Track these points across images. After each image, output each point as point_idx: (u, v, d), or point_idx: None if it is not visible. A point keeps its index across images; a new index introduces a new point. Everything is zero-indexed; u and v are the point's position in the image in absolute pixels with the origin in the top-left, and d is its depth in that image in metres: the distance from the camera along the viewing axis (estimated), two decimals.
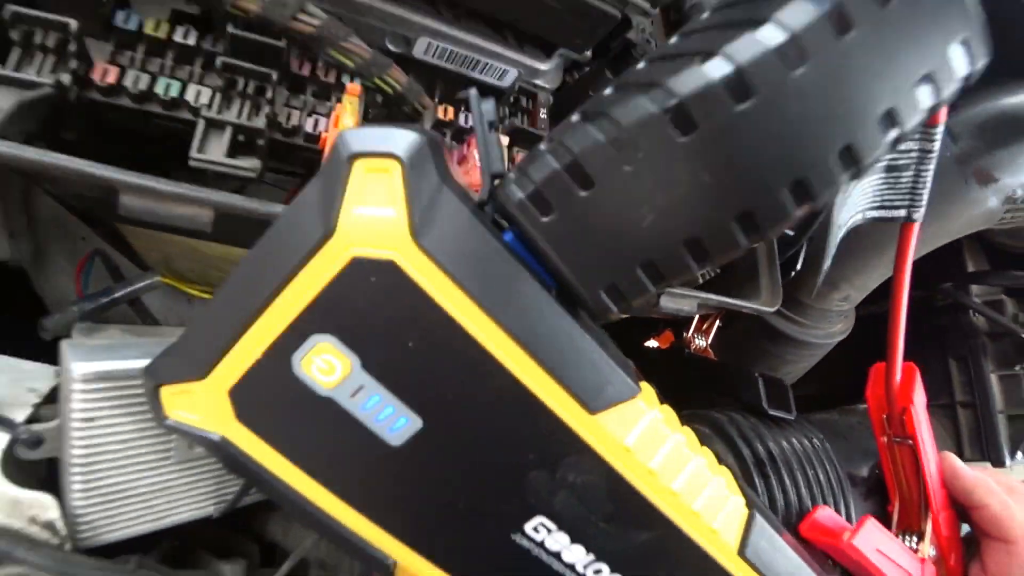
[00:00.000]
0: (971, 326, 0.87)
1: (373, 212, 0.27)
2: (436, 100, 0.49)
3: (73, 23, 0.35)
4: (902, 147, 0.47)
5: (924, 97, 0.23)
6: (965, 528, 0.53)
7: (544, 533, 0.32)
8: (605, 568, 0.33)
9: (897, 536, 0.52)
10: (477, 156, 0.36)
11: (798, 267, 0.62)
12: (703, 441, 0.36)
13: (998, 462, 0.80)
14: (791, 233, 0.60)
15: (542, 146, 0.27)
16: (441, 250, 0.27)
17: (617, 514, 0.32)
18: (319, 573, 0.49)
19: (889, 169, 0.49)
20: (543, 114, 0.52)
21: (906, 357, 0.51)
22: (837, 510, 0.52)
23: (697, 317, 0.76)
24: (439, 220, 0.27)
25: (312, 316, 0.28)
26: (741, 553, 0.35)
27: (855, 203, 0.52)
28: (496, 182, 0.29)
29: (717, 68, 0.22)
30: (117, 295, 0.43)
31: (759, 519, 0.36)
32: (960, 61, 0.23)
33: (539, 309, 0.28)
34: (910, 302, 0.49)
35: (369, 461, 0.30)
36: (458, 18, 0.46)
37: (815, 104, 0.22)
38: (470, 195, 0.29)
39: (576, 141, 0.25)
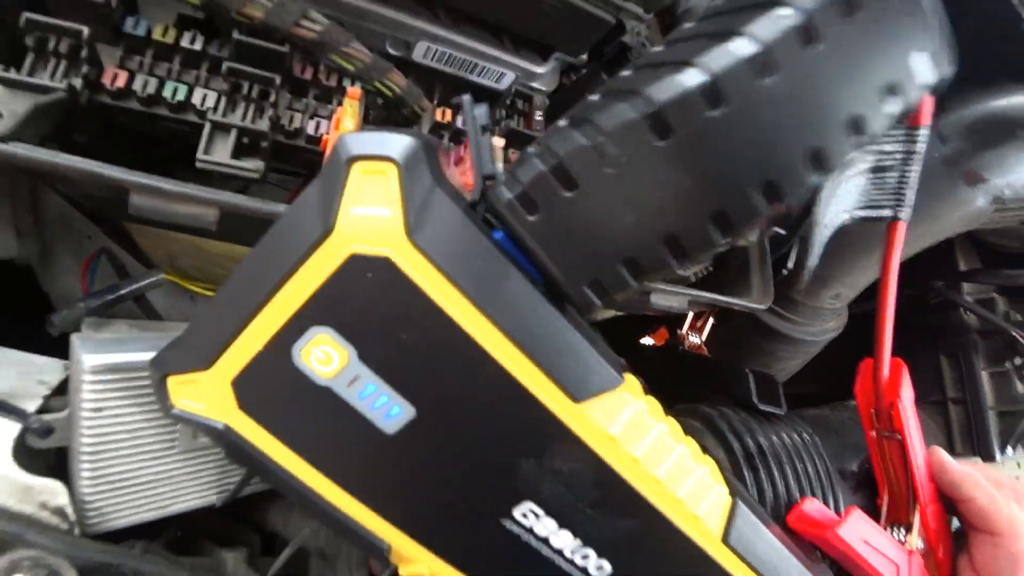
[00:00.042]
0: (962, 324, 0.88)
1: (370, 212, 0.28)
2: (435, 103, 0.50)
3: (85, 29, 0.36)
4: (887, 148, 0.48)
5: (888, 104, 0.24)
6: (956, 523, 0.54)
7: (532, 519, 0.33)
8: (592, 553, 0.34)
9: (886, 529, 0.52)
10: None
11: (789, 265, 0.62)
12: (694, 435, 0.37)
13: (988, 457, 0.81)
14: (783, 232, 0.61)
15: (530, 149, 0.28)
16: (434, 247, 0.28)
17: (603, 501, 0.33)
18: (318, 562, 0.50)
19: (875, 170, 0.50)
20: (539, 116, 0.53)
21: (898, 354, 0.52)
22: (825, 503, 0.53)
23: (691, 314, 0.77)
24: (432, 219, 0.28)
25: (312, 309, 0.29)
26: (725, 540, 0.36)
27: (843, 203, 0.53)
28: (488, 183, 0.31)
29: (692, 77, 0.23)
30: (123, 292, 0.44)
31: (743, 507, 0.37)
32: (923, 70, 0.24)
33: (526, 303, 0.29)
34: (902, 300, 0.50)
35: (364, 448, 0.32)
36: (456, 22, 0.47)
37: (784, 111, 0.23)
38: (462, 196, 0.30)
39: (561, 145, 0.26)
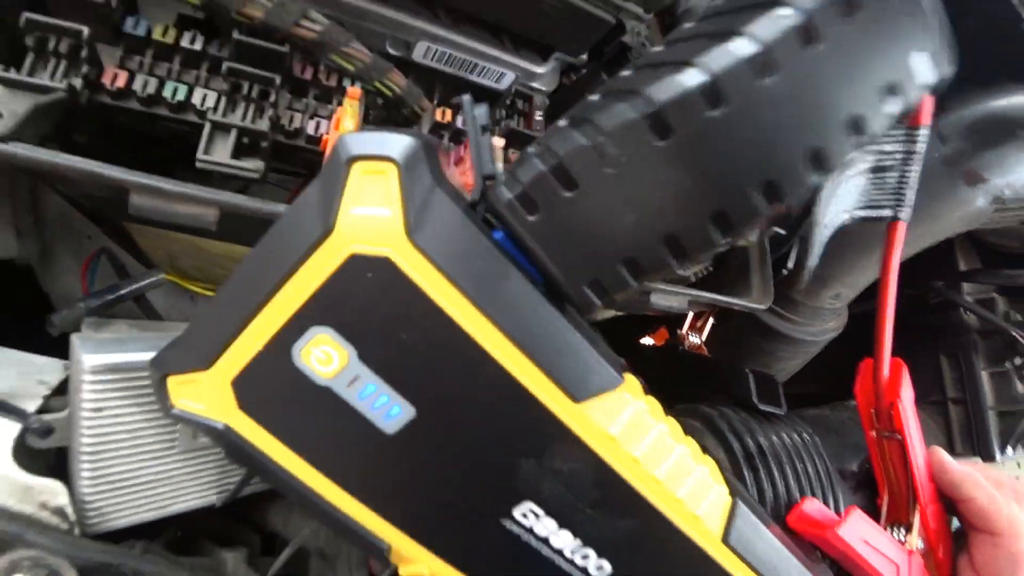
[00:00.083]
0: (963, 324, 0.88)
1: (370, 212, 0.28)
2: (435, 103, 0.50)
3: (85, 29, 0.36)
4: (887, 148, 0.48)
5: (888, 104, 0.24)
6: (956, 523, 0.54)
7: (532, 519, 0.33)
8: (592, 553, 0.34)
9: (886, 529, 0.52)
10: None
11: (789, 265, 0.62)
12: (694, 435, 0.37)
13: (988, 457, 0.81)
14: (783, 232, 0.61)
15: (530, 149, 0.28)
16: (434, 247, 0.28)
17: (603, 501, 0.33)
18: (318, 562, 0.50)
19: (875, 170, 0.50)
20: (539, 116, 0.53)
21: (898, 354, 0.52)
22: (825, 503, 0.53)
23: (691, 315, 0.77)
24: (432, 219, 0.28)
25: (312, 309, 0.29)
26: (725, 540, 0.36)
27: (843, 203, 0.53)
28: (488, 183, 0.31)
29: (692, 77, 0.23)
30: (123, 292, 0.44)
31: (742, 507, 0.37)
32: (923, 70, 0.24)
33: (526, 303, 0.29)
34: (902, 300, 0.50)
35: (364, 448, 0.32)
36: (456, 22, 0.47)
37: (784, 111, 0.23)
38: (462, 196, 0.30)
39: (561, 145, 0.26)
